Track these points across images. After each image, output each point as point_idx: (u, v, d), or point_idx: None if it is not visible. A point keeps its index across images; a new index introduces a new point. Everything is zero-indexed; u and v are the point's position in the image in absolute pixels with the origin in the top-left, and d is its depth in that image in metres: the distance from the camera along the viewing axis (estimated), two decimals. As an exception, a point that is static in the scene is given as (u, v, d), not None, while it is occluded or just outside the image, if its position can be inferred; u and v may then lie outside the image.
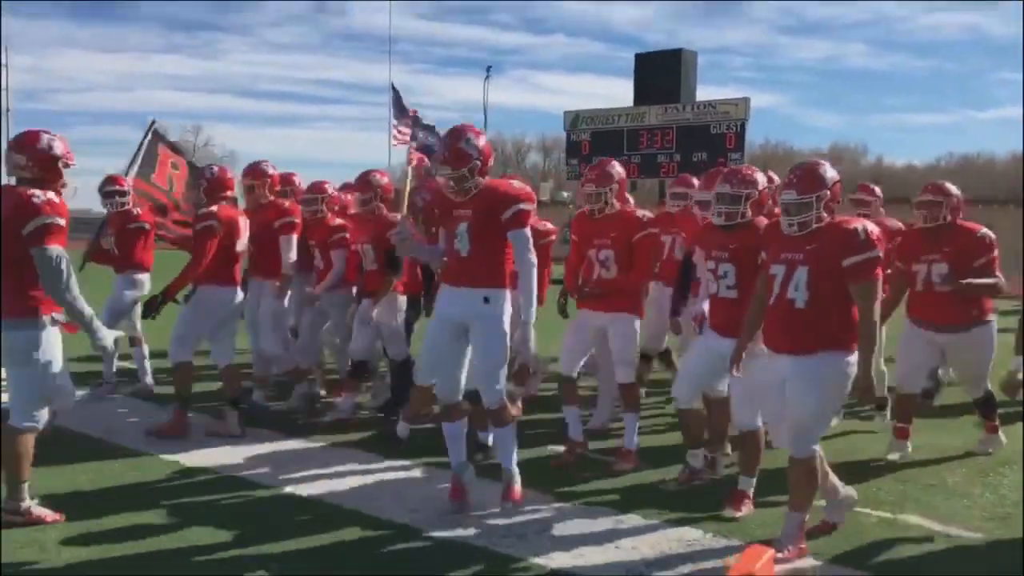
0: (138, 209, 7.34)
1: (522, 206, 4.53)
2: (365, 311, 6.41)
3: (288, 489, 5.16)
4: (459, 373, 4.74)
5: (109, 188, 7.27)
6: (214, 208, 6.16)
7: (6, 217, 4.09)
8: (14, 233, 4.09)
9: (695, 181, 7.01)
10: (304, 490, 5.13)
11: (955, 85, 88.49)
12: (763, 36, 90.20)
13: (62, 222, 4.17)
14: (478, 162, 4.53)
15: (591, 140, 18.54)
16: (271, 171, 6.75)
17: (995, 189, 40.25)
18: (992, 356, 5.84)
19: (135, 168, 7.48)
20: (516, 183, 4.79)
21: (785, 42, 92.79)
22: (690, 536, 4.45)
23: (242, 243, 6.27)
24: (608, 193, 5.54)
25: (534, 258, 4.52)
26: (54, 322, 4.25)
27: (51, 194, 4.21)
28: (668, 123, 17.63)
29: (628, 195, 6.00)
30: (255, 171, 6.75)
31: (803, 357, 4.09)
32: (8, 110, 49.43)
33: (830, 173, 4.25)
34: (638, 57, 18.70)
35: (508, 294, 4.61)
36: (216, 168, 6.52)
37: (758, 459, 4.84)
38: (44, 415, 4.35)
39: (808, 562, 4.11)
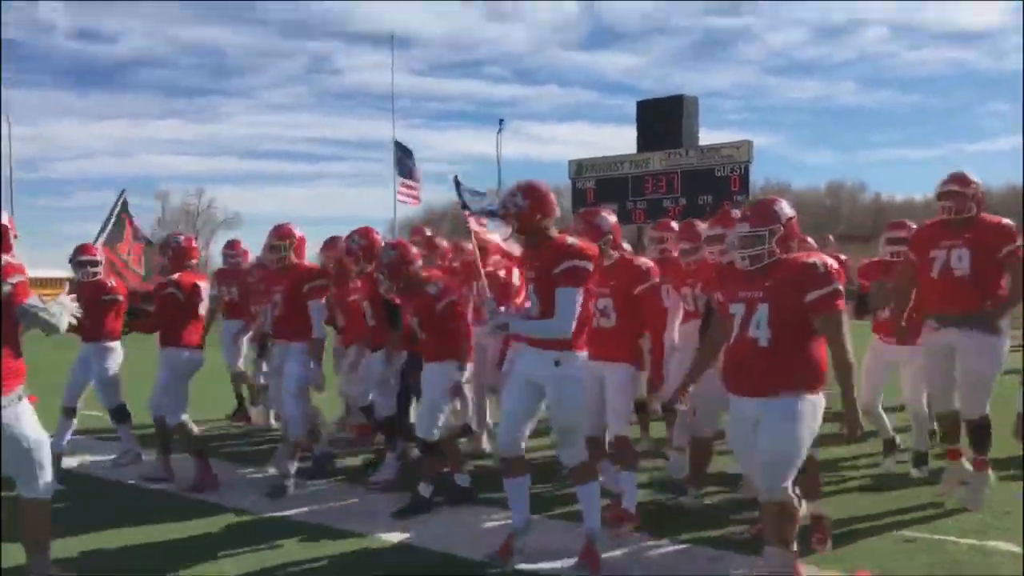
0: (111, 281, 7.31)
1: (574, 263, 4.40)
2: (375, 368, 6.49)
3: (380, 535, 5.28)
4: (524, 428, 4.64)
5: (81, 258, 7.19)
6: (176, 276, 6.61)
7: None
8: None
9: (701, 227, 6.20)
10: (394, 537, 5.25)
11: (943, 119, 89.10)
12: (753, 78, 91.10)
13: (23, 278, 4.31)
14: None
15: (596, 188, 18.68)
16: (298, 232, 6.62)
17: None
18: (1000, 367, 5.50)
19: (103, 237, 7.37)
20: (571, 239, 4.62)
21: (775, 83, 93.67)
22: None
23: (203, 307, 6.77)
24: (603, 245, 5.16)
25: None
26: (20, 398, 4.22)
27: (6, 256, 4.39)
28: (672, 168, 17.77)
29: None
30: (281, 232, 6.55)
31: (770, 399, 3.93)
32: (11, 179, 50.14)
33: (786, 209, 4.17)
34: (640, 104, 18.90)
35: (580, 355, 4.46)
36: (181, 238, 7.01)
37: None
38: (49, 481, 4.31)
39: None
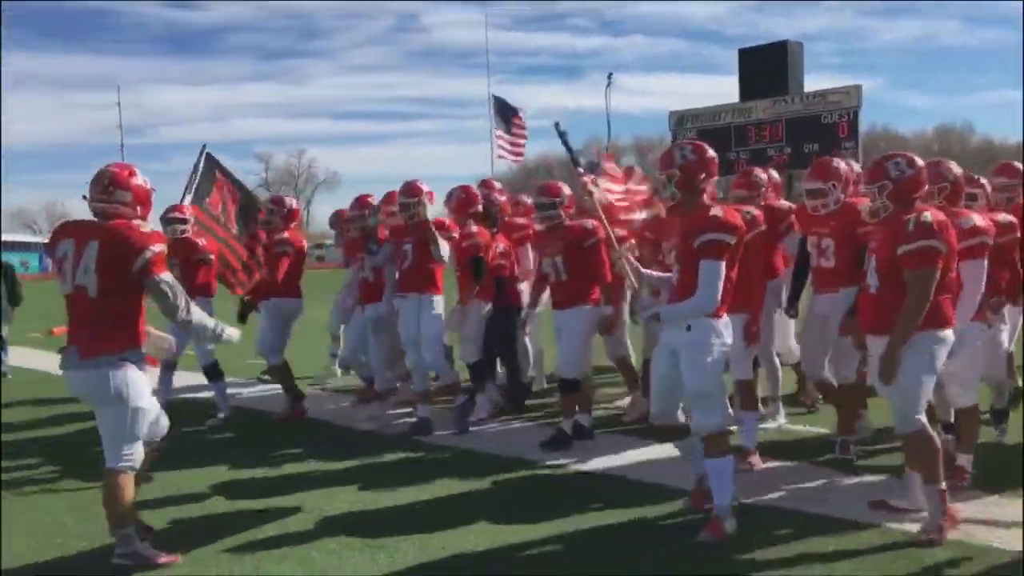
0: (202, 240, 7.41)
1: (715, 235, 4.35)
2: (459, 319, 6.96)
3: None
4: (675, 396, 4.57)
5: (169, 215, 7.39)
6: (287, 235, 7.47)
7: (107, 254, 4.04)
8: (116, 267, 4.05)
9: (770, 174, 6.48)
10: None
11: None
12: (847, 20, 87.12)
13: (162, 249, 4.20)
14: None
15: (698, 139, 18.36)
16: (426, 188, 6.71)
17: None
18: None
19: (189, 196, 7.32)
20: (716, 210, 4.48)
21: (871, 24, 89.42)
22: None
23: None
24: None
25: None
26: (140, 357, 4.17)
27: (149, 225, 4.33)
28: (777, 116, 17.34)
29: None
30: (412, 189, 6.68)
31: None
32: (123, 146, 52.46)
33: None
34: (742, 52, 18.45)
35: (716, 321, 4.35)
36: (292, 201, 8.06)
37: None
38: (140, 454, 4.21)
39: None
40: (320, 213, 69.55)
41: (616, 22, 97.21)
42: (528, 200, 8.04)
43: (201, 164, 7.35)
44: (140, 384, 4.14)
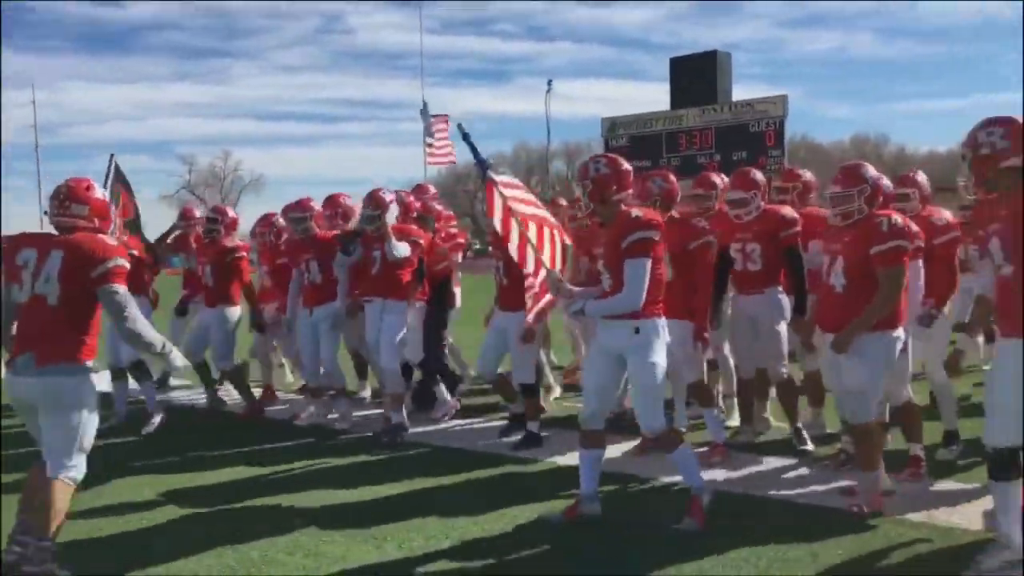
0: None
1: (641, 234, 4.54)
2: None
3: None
4: (607, 401, 4.86)
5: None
6: (239, 243, 8.00)
7: (70, 264, 4.05)
8: (78, 277, 4.06)
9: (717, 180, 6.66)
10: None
11: (964, 69, 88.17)
12: (767, 31, 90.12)
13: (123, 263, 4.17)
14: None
15: (630, 145, 18.85)
16: (389, 197, 6.93)
17: None
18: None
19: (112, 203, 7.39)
20: (636, 212, 4.67)
21: (790, 36, 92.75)
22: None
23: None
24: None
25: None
26: (94, 369, 4.18)
27: (112, 237, 4.35)
28: (707, 124, 17.93)
29: None
30: (377, 201, 6.81)
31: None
32: (37, 145, 50.59)
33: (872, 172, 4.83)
34: (673, 61, 19.00)
35: (659, 322, 4.58)
36: (231, 210, 8.37)
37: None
38: (83, 467, 4.11)
39: None
40: (246, 217, 67.88)
41: (543, 28, 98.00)
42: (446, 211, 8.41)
43: (111, 173, 7.66)
44: (94, 396, 4.15)
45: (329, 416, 7.54)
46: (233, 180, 70.98)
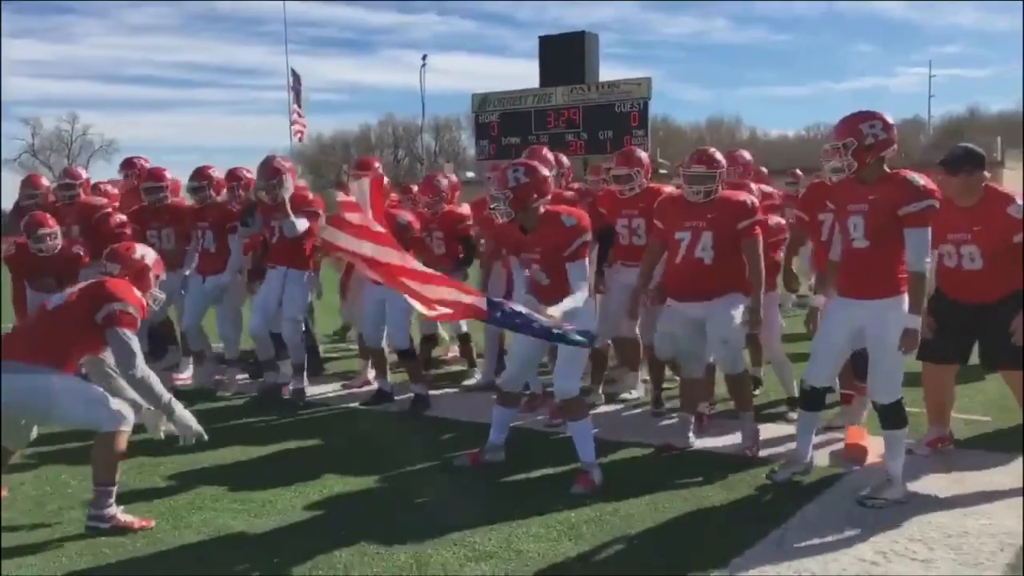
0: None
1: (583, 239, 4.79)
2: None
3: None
4: (528, 370, 5.32)
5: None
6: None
7: (83, 293, 4.25)
8: (86, 311, 4.19)
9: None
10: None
11: (811, 58, 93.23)
12: (629, 12, 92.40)
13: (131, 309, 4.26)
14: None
15: (500, 121, 19.13)
16: (288, 165, 6.95)
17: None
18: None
19: None
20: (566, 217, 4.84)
21: (654, 18, 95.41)
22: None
23: None
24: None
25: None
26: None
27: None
28: (574, 103, 18.38)
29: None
30: (271, 170, 6.74)
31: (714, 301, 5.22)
32: None
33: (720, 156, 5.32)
34: (542, 40, 19.39)
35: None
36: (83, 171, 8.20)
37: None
38: (129, 414, 4.20)
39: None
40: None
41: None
42: None
43: None
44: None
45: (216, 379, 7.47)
46: (82, 145, 67.17)
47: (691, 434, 5.46)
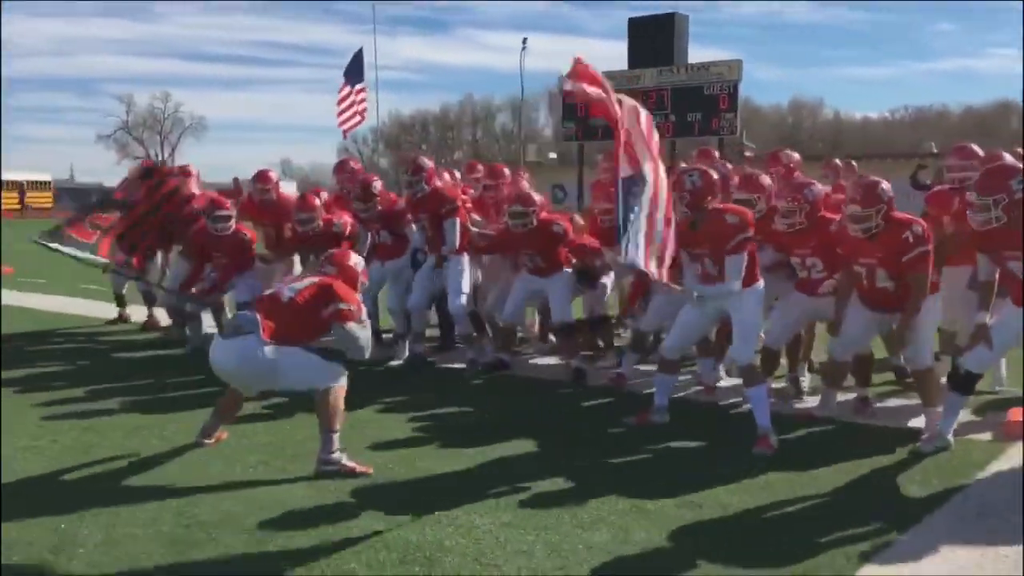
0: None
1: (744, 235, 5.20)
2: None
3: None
4: (687, 341, 5.78)
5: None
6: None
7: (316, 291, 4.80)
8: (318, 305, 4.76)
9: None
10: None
11: (892, 37, 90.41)
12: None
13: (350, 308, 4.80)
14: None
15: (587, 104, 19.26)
16: (429, 164, 7.32)
17: (950, 142, 41.64)
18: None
19: None
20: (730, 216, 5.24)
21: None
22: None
23: None
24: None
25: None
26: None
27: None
28: (662, 85, 18.44)
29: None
30: (418, 166, 7.20)
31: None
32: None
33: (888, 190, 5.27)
34: (631, 21, 19.46)
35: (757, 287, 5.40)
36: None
37: None
38: (342, 372, 4.80)
39: None
40: (184, 162, 66.23)
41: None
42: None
43: None
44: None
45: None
46: (174, 122, 69.05)
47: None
